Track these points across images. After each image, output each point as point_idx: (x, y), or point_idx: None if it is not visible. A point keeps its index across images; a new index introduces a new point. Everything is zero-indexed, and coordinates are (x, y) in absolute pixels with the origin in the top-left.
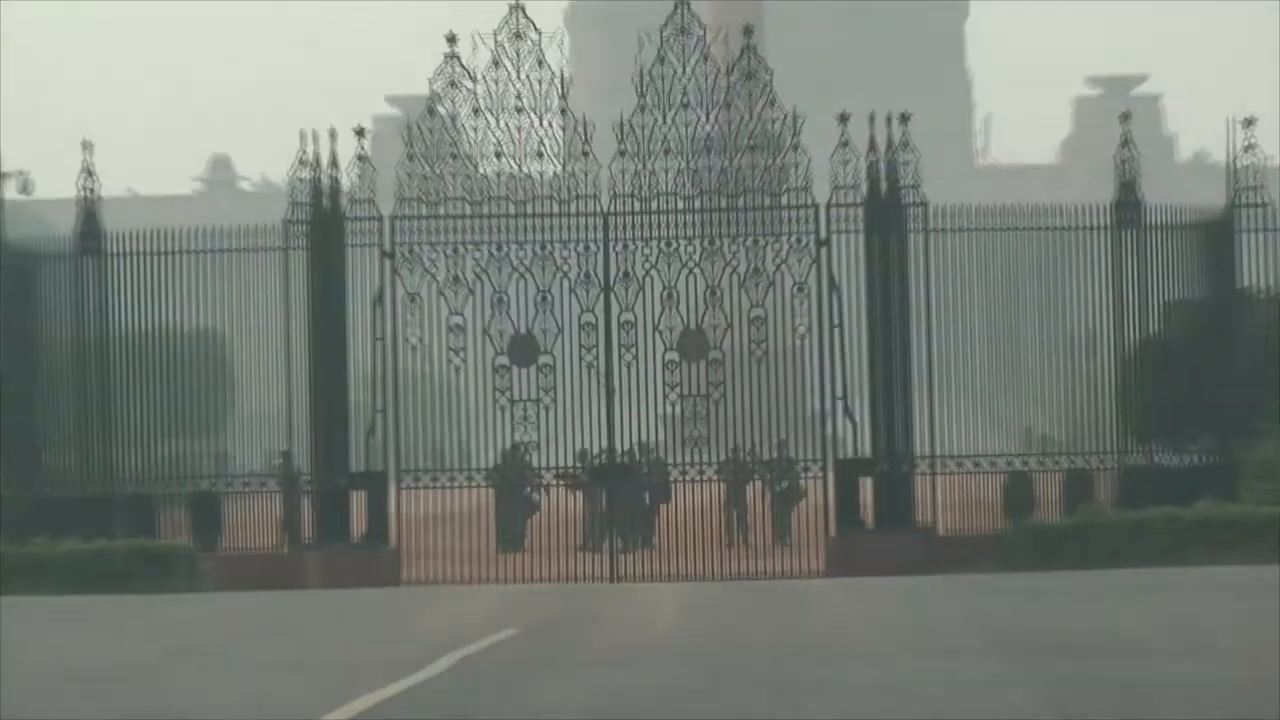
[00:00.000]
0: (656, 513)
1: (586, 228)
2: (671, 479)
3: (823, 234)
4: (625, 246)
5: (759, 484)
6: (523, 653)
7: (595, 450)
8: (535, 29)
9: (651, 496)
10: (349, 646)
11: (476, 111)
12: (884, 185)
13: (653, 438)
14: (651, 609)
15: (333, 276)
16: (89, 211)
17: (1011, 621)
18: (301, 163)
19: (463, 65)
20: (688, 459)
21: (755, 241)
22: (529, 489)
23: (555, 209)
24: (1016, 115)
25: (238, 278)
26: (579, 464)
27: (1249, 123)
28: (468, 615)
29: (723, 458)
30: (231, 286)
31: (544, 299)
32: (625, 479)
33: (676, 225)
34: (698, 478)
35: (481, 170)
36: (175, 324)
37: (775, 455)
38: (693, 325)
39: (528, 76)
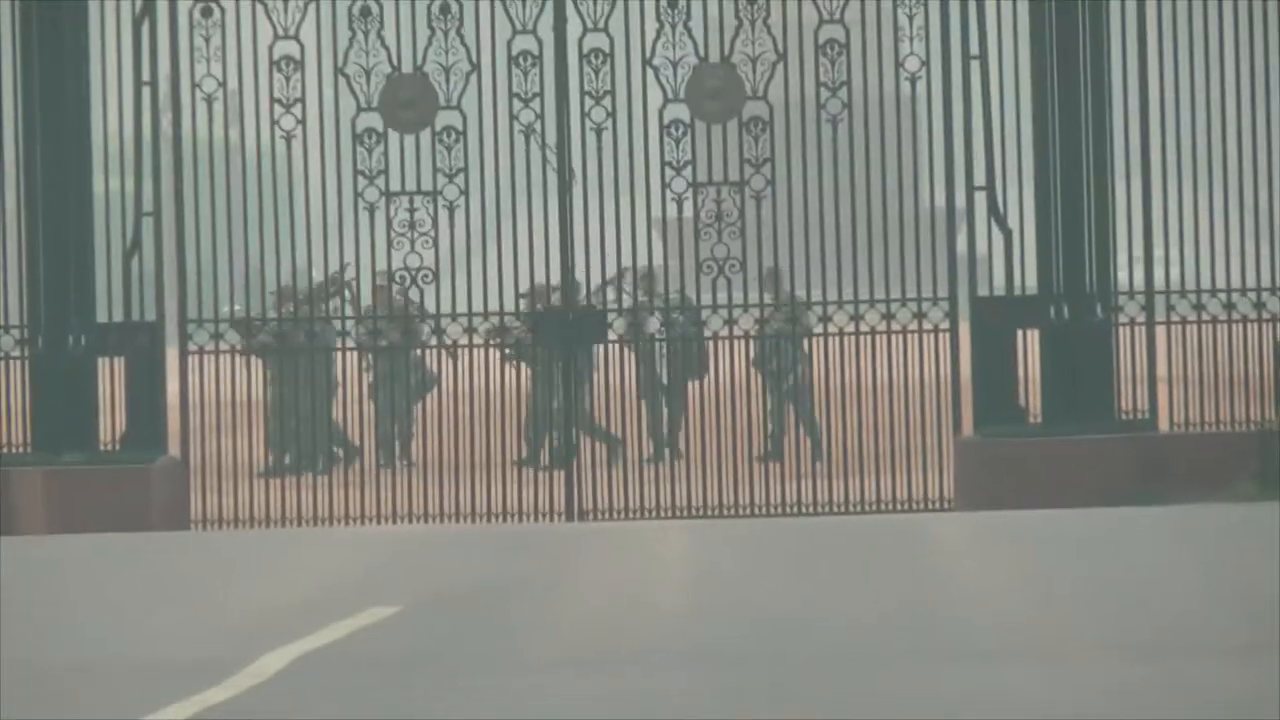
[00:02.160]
0: (683, 398)
1: None
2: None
3: None
4: None
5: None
6: (403, 648)
7: (541, 284)
8: None
9: (672, 367)
10: (91, 640)
11: None
12: None
13: (643, 260)
14: (641, 568)
15: None
16: None
17: None
18: None
19: None
20: (706, 298)
21: None
22: (417, 353)
23: None
24: None
25: None
26: (519, 309)
27: None
28: (309, 581)
29: (765, 296)
30: None
31: (445, 10)
32: (594, 334)
33: None
34: (724, 332)
35: None
36: None
37: (773, 302)
38: (714, 57)
39: None
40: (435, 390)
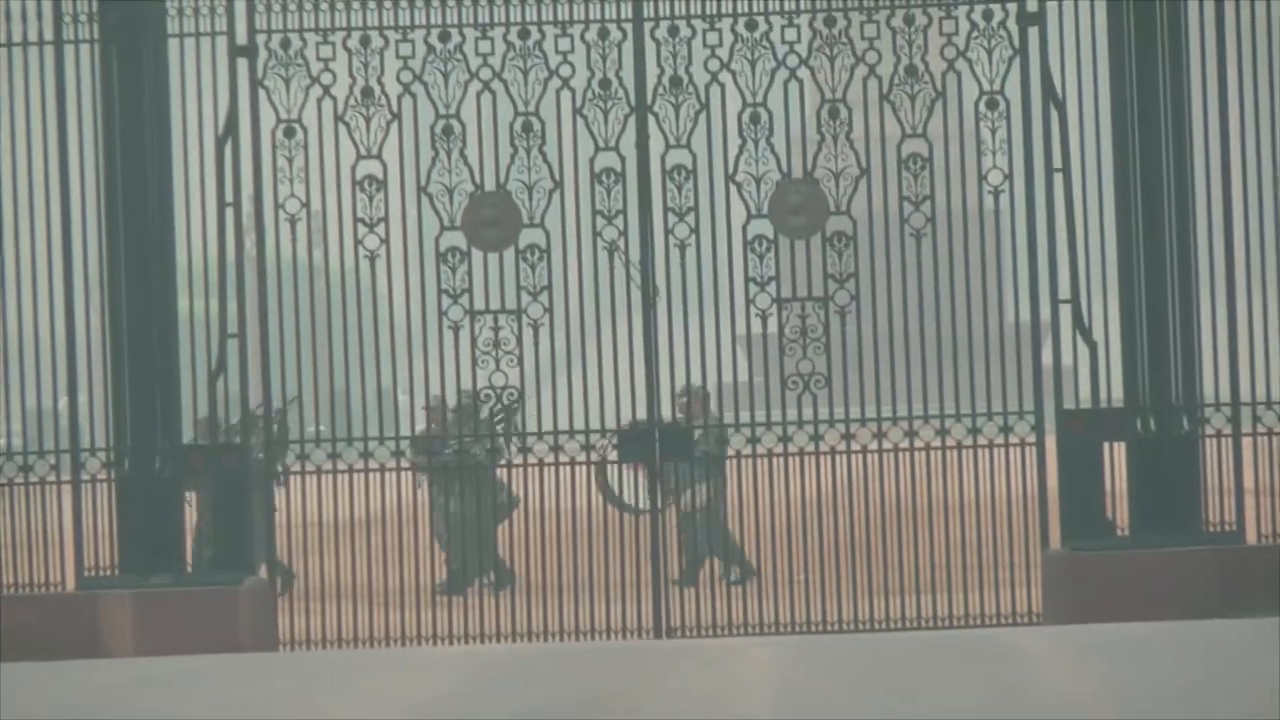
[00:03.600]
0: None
1: None
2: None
3: (1031, 1)
4: (673, 31)
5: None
6: None
7: (627, 403)
8: None
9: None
10: None
11: None
12: None
13: (723, 377)
14: (729, 684)
15: (144, 93)
16: None
17: None
18: None
19: None
20: (791, 413)
21: (909, 18)
22: (499, 472)
23: None
24: None
25: None
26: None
27: None
28: (398, 700)
29: (851, 410)
30: None
31: (528, 128)
32: (682, 450)
33: None
34: (811, 446)
35: None
36: None
37: (687, 416)
38: (797, 172)
39: None
40: (519, 509)
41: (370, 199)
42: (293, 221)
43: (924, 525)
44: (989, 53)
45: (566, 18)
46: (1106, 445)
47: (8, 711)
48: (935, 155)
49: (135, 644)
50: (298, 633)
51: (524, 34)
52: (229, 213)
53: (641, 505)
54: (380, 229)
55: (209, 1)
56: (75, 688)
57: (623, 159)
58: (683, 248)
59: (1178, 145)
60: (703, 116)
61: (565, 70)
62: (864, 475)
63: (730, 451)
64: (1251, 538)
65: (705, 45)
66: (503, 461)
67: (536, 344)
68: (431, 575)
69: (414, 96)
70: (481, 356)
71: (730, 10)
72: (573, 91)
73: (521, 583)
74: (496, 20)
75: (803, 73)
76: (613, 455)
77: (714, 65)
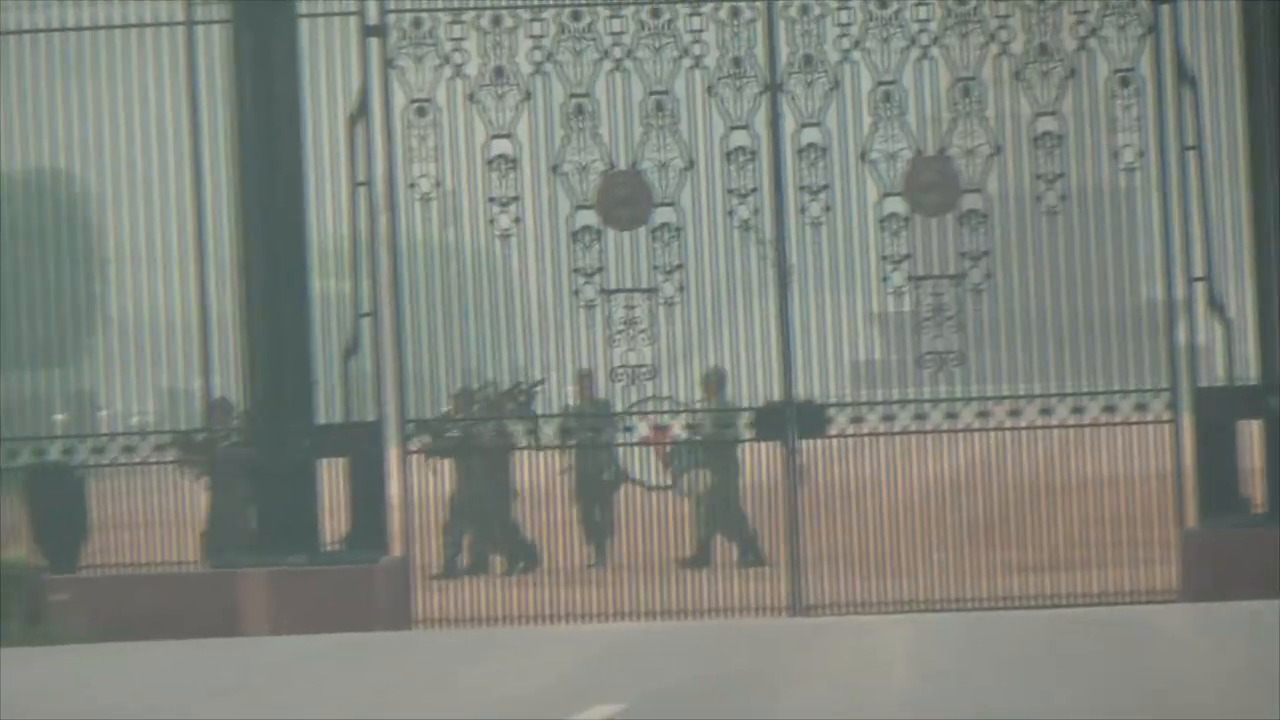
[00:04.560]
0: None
1: None
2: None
3: None
4: (805, 10)
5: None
6: None
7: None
8: None
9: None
10: None
11: None
12: None
13: (865, 354)
14: (864, 662)
15: (275, 74)
16: None
17: None
18: None
19: None
20: (927, 391)
21: None
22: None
23: None
24: None
25: (108, 79)
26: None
27: None
28: (532, 680)
29: (985, 389)
30: (98, 96)
31: (660, 107)
32: (818, 428)
33: None
34: (946, 425)
35: None
36: None
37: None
38: (930, 151)
39: None
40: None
41: (502, 178)
42: (425, 201)
43: (1059, 503)
44: (1121, 30)
45: None
46: (1242, 423)
47: (148, 686)
48: (1069, 134)
49: (272, 622)
50: (431, 611)
51: (656, 13)
52: (361, 193)
53: (664, 483)
54: (513, 208)
55: None
56: (229, 665)
57: (755, 138)
58: (815, 226)
59: None
60: (834, 95)
61: (697, 49)
62: (999, 453)
63: (865, 429)
64: None
65: (837, 24)
66: (631, 440)
67: (669, 322)
68: (565, 553)
69: (545, 76)
70: (615, 335)
71: None
72: (705, 70)
73: (652, 561)
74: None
75: (935, 51)
76: (748, 434)
77: (846, 44)
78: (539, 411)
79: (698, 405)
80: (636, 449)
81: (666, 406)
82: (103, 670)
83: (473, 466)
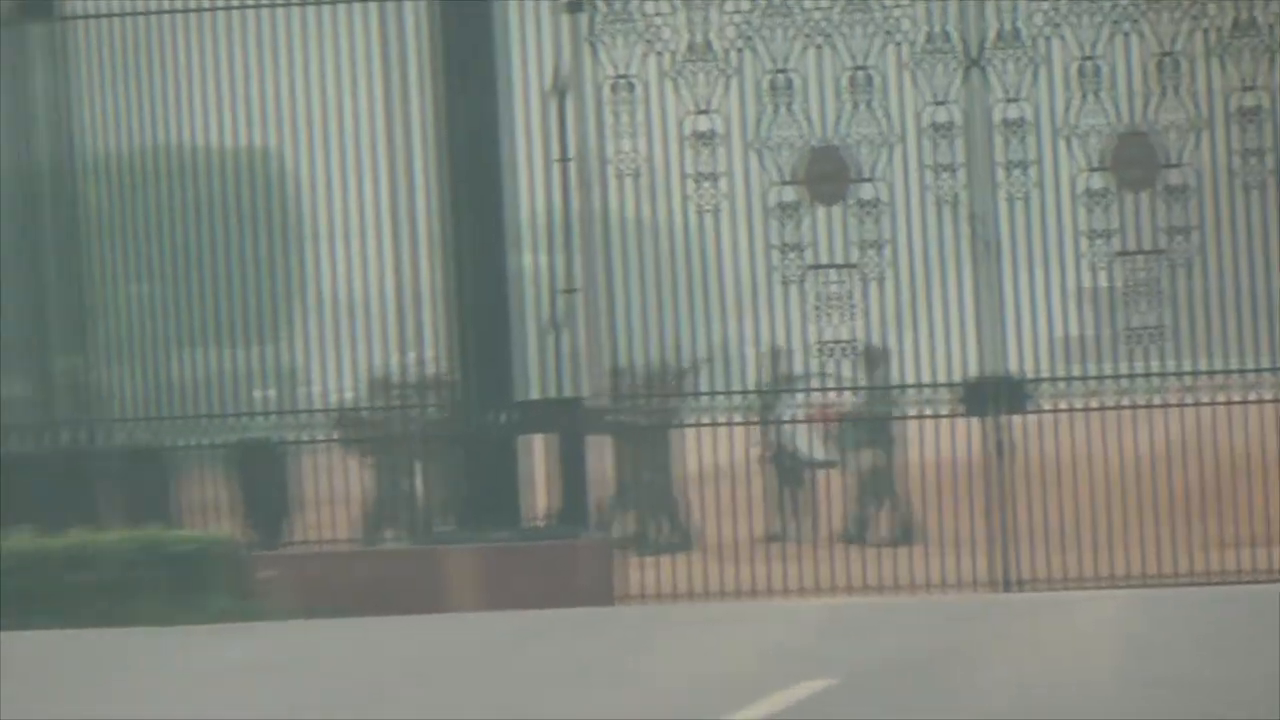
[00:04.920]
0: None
1: None
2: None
3: None
4: None
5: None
6: None
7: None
8: None
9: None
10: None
11: None
12: None
13: (1070, 330)
14: (1072, 638)
15: (475, 49)
16: None
17: None
18: None
19: None
20: (1134, 365)
21: None
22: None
23: None
24: None
25: (305, 55)
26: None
27: None
28: (740, 655)
29: (1191, 364)
30: (295, 72)
31: (860, 82)
32: (1022, 404)
33: None
34: (1151, 400)
35: None
36: (193, 140)
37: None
38: (1133, 126)
39: None
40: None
41: (702, 154)
42: (625, 177)
43: (1266, 478)
44: None
45: None
46: None
47: (370, 658)
48: (1270, 108)
49: (476, 598)
50: (633, 587)
51: None
52: (560, 169)
53: (819, 458)
54: (714, 184)
55: None
56: (440, 643)
57: (955, 114)
58: (1017, 201)
59: None
60: (1036, 70)
61: (898, 24)
62: (1204, 428)
63: (1069, 405)
64: None
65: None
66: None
67: (872, 298)
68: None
69: (745, 51)
70: (818, 311)
71: None
72: (906, 45)
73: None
74: None
75: (1136, 26)
76: (956, 409)
77: (1046, 19)
78: (730, 387)
79: (878, 384)
80: (802, 426)
81: (849, 384)
82: (321, 646)
83: (652, 444)
